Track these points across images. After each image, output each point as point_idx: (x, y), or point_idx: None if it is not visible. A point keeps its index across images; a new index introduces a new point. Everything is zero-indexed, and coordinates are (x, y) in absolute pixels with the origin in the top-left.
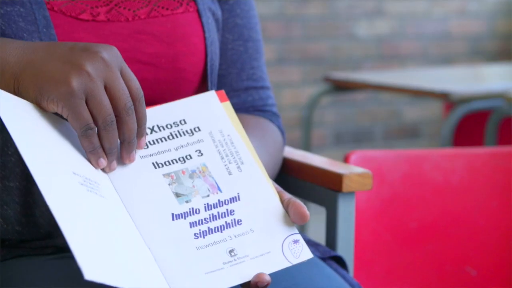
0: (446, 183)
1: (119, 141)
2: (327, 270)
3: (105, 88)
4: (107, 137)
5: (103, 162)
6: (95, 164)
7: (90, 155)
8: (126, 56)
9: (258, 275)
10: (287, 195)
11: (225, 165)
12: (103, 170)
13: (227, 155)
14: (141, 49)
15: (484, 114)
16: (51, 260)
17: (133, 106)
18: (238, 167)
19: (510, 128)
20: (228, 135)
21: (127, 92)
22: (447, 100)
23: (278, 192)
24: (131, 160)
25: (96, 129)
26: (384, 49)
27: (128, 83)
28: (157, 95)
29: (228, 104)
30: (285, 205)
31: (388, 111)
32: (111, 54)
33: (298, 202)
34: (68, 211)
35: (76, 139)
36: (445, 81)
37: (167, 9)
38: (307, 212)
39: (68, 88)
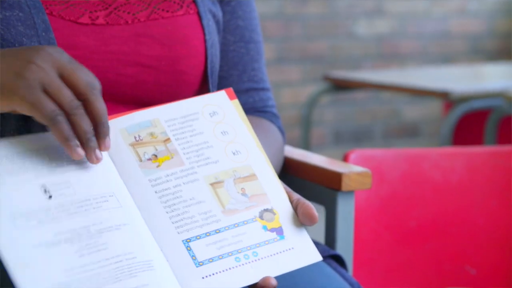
0: (445, 182)
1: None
2: (327, 269)
3: (62, 78)
4: (78, 122)
5: (80, 151)
6: (74, 155)
7: (66, 146)
8: (126, 59)
9: (265, 279)
10: (296, 196)
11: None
12: (92, 162)
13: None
14: (141, 52)
15: (484, 113)
16: None
17: (99, 87)
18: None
19: (510, 127)
20: (239, 134)
21: (86, 74)
22: (447, 99)
23: (287, 193)
24: (98, 158)
25: (64, 114)
26: (383, 48)
27: (80, 72)
28: (158, 97)
29: (237, 102)
30: (294, 206)
31: (387, 110)
32: (56, 49)
33: (307, 203)
34: (23, 255)
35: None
36: (444, 80)
37: (167, 11)
38: (316, 214)
39: (23, 81)
